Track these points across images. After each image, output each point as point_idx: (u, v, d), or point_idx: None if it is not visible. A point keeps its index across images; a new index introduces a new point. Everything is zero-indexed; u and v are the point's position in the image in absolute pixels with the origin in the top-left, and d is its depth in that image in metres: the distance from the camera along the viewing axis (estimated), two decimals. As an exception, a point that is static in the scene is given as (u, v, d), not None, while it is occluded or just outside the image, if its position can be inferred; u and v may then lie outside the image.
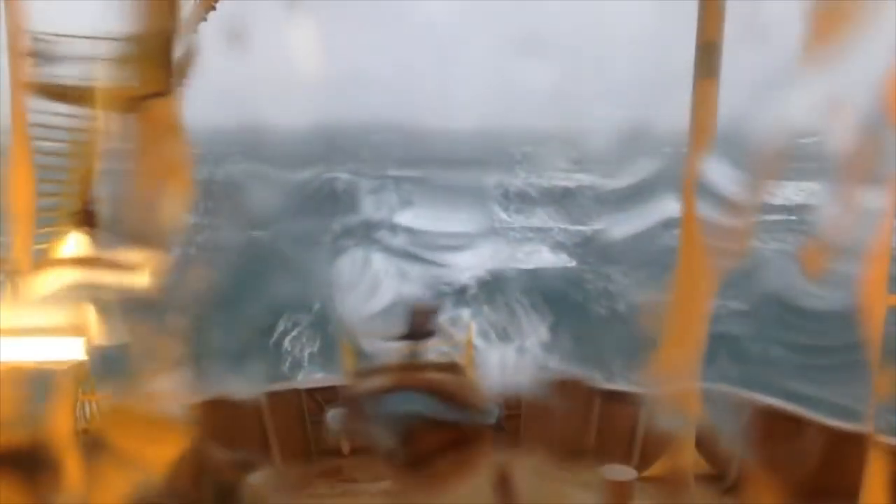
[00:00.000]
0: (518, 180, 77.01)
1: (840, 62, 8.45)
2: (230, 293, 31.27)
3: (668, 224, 36.01)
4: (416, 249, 44.85)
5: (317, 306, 35.66)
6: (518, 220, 60.90)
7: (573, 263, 46.62)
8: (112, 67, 10.44)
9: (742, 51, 11.08)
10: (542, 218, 61.57)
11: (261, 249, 43.72)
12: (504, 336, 34.00)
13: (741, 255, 9.81)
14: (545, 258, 48.21)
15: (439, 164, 75.71)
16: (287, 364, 31.89)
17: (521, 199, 68.58)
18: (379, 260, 42.26)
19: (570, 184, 74.51)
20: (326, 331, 33.21)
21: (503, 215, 62.51)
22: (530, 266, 45.35)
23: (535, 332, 34.62)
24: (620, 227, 47.36)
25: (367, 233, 50.76)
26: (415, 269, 41.02)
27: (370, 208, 60.46)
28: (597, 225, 55.25)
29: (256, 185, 55.10)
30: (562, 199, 67.51)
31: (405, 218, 54.93)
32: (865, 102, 8.77)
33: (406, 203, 61.64)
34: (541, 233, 55.81)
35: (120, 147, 10.84)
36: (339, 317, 32.41)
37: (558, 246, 51.07)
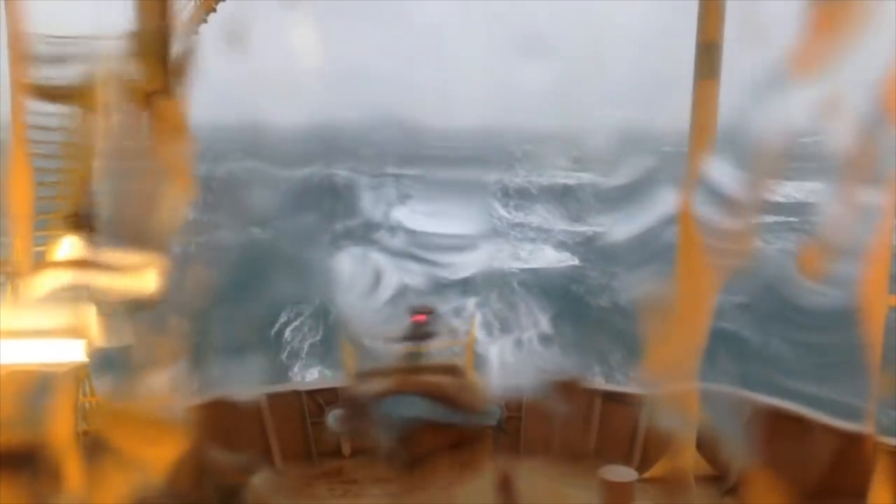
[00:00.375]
0: (518, 178, 77.20)
1: (839, 62, 8.44)
2: (232, 289, 31.38)
3: (671, 220, 35.99)
4: (417, 249, 44.82)
5: (317, 302, 35.77)
6: (518, 217, 61.01)
7: (575, 261, 46.70)
8: (112, 65, 10.46)
9: (742, 51, 11.06)
10: (542, 215, 61.63)
11: (262, 246, 43.78)
12: (506, 328, 34.22)
13: (744, 256, 9.81)
14: (548, 256, 48.27)
15: (439, 161, 75.77)
16: (286, 353, 32.24)
17: (520, 196, 68.69)
18: (379, 258, 42.27)
19: (571, 181, 74.59)
20: (327, 322, 33.36)
21: (503, 212, 62.60)
22: (533, 265, 45.43)
23: (536, 324, 34.79)
24: (623, 224, 47.32)
25: (367, 233, 50.76)
26: (416, 268, 41.05)
27: (370, 206, 60.50)
28: (599, 222, 55.24)
29: (257, 182, 55.13)
30: (562, 196, 67.57)
31: (405, 216, 54.94)
32: (865, 103, 8.77)
33: (406, 200, 61.72)
34: (543, 232, 55.86)
35: (121, 147, 10.85)
36: (340, 315, 32.43)
37: (561, 245, 51.09)
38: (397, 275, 38.12)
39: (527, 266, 44.78)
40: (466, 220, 50.81)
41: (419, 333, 12.32)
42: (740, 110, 10.72)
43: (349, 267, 40.55)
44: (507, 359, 30.23)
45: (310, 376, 30.16)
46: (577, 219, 59.14)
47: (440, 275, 40.08)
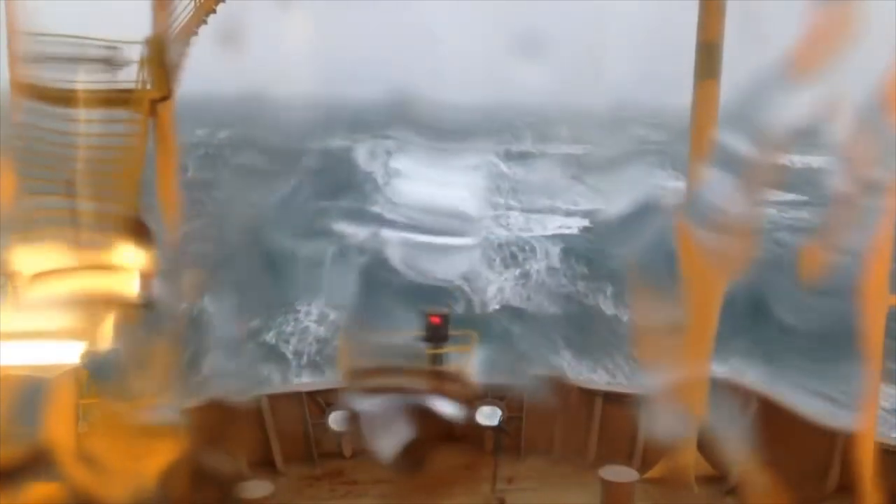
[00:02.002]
0: (523, 145, 78.23)
1: (840, 63, 8.44)
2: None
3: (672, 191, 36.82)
4: (423, 217, 44.34)
5: (315, 295, 35.79)
6: (519, 173, 62.11)
7: (586, 222, 47.55)
8: (117, 71, 10.50)
9: (742, 51, 11.04)
10: (545, 174, 62.33)
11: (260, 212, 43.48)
12: (515, 263, 34.99)
13: (749, 248, 9.80)
14: (556, 220, 48.97)
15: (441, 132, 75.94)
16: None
17: (523, 157, 69.59)
18: (384, 240, 41.98)
19: (574, 151, 75.04)
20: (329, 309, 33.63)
21: (504, 168, 64.05)
22: (542, 229, 46.19)
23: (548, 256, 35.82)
24: (626, 191, 47.41)
25: (371, 211, 50.59)
26: (421, 231, 40.87)
27: (370, 159, 61.66)
28: (603, 187, 55.38)
29: (257, 148, 54.90)
30: (565, 161, 68.15)
31: (405, 165, 55.06)
32: (865, 102, 8.77)
33: (405, 149, 61.80)
34: (546, 191, 56.32)
35: (120, 150, 10.86)
36: (340, 313, 32.37)
37: (568, 213, 51.50)
38: (403, 268, 38.04)
39: (536, 231, 45.61)
40: (467, 170, 50.58)
41: (435, 335, 12.37)
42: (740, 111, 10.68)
43: (350, 230, 40.53)
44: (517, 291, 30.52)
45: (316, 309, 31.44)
46: (581, 181, 59.61)
47: (441, 240, 39.80)
